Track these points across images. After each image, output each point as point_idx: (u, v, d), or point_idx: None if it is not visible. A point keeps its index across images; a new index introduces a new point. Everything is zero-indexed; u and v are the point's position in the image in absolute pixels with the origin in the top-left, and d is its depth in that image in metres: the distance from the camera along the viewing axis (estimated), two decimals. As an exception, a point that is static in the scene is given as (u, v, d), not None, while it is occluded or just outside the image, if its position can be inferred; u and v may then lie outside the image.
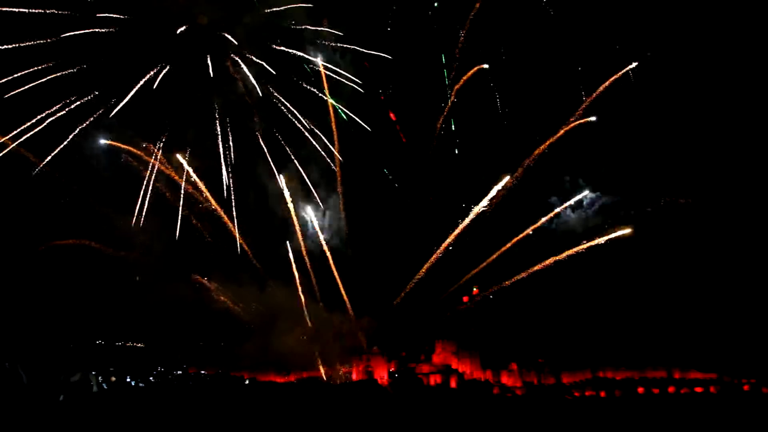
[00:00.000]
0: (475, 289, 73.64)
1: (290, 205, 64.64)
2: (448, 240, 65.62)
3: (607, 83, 63.01)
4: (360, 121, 66.17)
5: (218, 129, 63.29)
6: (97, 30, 58.13)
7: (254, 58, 62.58)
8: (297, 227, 65.36)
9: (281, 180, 63.49)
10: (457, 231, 65.05)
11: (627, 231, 60.18)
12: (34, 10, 55.52)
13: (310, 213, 65.83)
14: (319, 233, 65.94)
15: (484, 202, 63.05)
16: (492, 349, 67.99)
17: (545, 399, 62.09)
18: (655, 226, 64.92)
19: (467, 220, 64.10)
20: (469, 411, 54.56)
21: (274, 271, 66.47)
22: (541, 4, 66.38)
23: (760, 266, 62.03)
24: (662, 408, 56.10)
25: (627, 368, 65.35)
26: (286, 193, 63.83)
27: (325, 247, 65.90)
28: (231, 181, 63.36)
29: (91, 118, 58.63)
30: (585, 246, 61.94)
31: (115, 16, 58.75)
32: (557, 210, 65.17)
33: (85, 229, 62.06)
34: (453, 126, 70.59)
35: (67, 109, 57.86)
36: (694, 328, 63.70)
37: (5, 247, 60.36)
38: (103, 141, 59.51)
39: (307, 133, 64.84)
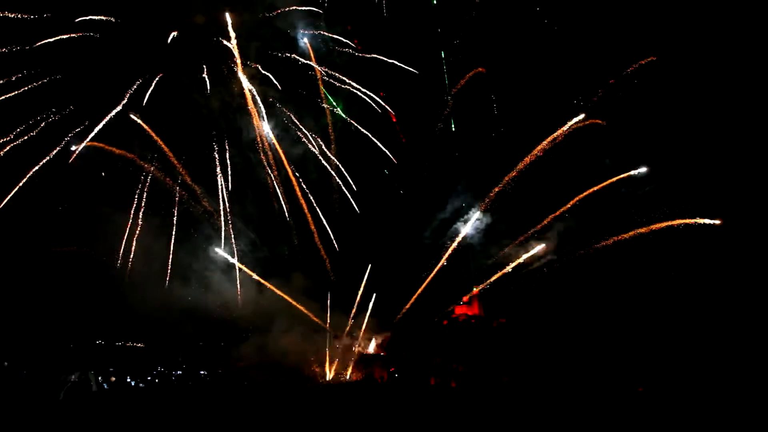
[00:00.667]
0: (474, 289, 73.71)
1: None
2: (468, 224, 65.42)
3: (639, 62, 61.80)
4: (364, 130, 66.14)
5: (215, 133, 63.40)
6: (80, 34, 57.07)
7: (250, 63, 62.42)
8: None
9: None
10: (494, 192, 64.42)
11: (717, 222, 58.18)
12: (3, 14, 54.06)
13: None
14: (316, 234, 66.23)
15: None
16: (492, 351, 67.98)
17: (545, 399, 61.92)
18: (656, 226, 64.88)
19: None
20: (468, 411, 54.43)
21: (271, 271, 66.67)
22: (539, 7, 66.21)
23: (759, 266, 61.80)
24: (662, 408, 55.89)
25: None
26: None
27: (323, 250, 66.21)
28: (228, 186, 63.40)
29: (86, 123, 58.25)
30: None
31: (99, 18, 57.27)
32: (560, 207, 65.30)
33: (83, 230, 62.00)
34: (453, 127, 70.62)
35: (58, 116, 57.53)
36: (694, 328, 63.48)
37: (5, 248, 60.35)
38: (74, 147, 58.22)
39: (305, 139, 65.02)
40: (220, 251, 63.71)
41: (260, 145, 63.70)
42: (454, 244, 67.60)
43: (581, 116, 61.78)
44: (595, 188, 64.75)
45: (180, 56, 60.33)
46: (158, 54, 59.45)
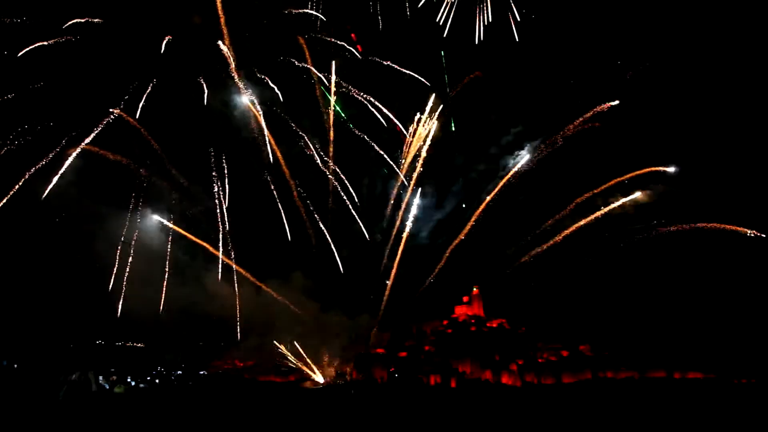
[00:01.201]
0: (475, 289, 73.80)
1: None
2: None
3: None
4: (362, 134, 66.08)
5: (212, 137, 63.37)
6: (74, 38, 55.87)
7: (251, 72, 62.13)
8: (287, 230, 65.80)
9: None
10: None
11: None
12: None
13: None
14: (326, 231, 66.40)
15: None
16: (492, 349, 67.99)
17: (545, 399, 61.88)
18: (656, 227, 64.97)
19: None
20: (469, 411, 54.33)
21: (269, 272, 66.77)
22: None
23: (759, 267, 61.76)
24: (662, 408, 55.80)
25: (627, 368, 65.20)
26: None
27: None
28: (225, 188, 63.36)
29: (76, 132, 57.82)
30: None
31: (95, 21, 55.81)
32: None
33: (82, 232, 61.99)
34: (453, 126, 70.58)
35: (52, 122, 57.15)
36: (695, 328, 63.50)
37: (7, 249, 60.36)
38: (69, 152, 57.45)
39: (302, 145, 65.13)
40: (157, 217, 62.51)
41: (260, 146, 63.91)
42: (454, 244, 67.85)
43: (615, 102, 62.01)
44: (595, 191, 65.00)
45: (175, 60, 59.91)
46: (153, 58, 58.58)
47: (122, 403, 54.82)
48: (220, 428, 46.82)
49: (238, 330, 66.54)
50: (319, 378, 66.49)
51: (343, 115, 66.76)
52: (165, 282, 61.94)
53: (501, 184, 65.60)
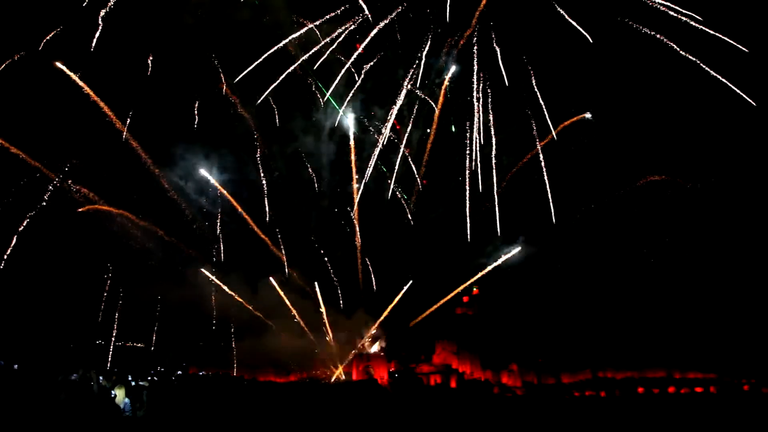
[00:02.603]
0: (475, 289, 73.79)
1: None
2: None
3: None
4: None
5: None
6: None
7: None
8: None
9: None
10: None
11: None
12: None
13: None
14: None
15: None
16: (492, 349, 68.03)
17: (545, 399, 62.09)
18: (654, 225, 65.18)
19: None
20: (469, 411, 54.48)
21: (267, 270, 66.70)
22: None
23: (759, 266, 62.01)
24: (662, 408, 56.04)
25: (627, 368, 65.39)
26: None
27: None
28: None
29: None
30: None
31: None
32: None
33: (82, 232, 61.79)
34: (453, 128, 70.37)
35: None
36: (694, 328, 63.72)
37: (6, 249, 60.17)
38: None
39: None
40: None
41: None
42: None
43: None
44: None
45: (163, 78, 58.18)
46: (139, 76, 56.79)
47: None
48: (221, 429, 46.88)
49: (232, 330, 66.75)
50: (318, 377, 66.55)
51: (339, 110, 66.68)
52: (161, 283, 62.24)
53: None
